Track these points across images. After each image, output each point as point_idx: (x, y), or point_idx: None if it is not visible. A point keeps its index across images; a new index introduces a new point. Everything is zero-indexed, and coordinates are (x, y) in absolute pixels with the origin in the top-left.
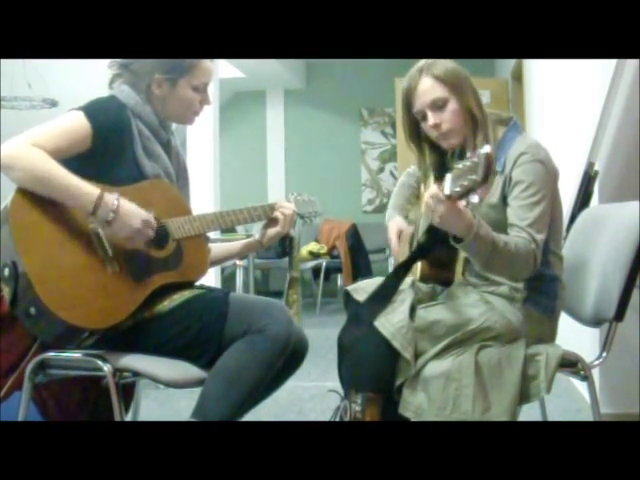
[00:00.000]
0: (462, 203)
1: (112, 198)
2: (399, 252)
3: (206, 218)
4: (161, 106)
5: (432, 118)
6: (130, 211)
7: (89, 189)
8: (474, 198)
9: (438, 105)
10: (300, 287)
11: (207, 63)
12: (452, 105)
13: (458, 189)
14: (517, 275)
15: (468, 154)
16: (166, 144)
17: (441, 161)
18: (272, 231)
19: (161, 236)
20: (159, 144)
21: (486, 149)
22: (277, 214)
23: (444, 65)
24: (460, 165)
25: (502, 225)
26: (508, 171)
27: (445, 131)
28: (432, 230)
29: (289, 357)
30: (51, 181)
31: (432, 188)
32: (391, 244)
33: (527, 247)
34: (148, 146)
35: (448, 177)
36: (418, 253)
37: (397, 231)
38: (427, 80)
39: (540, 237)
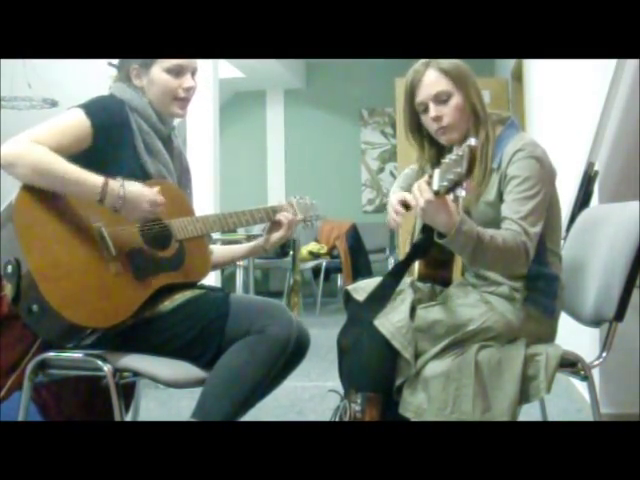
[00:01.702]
0: (450, 197)
1: (117, 185)
2: (398, 225)
3: (209, 219)
4: (145, 96)
5: (433, 110)
6: (137, 194)
7: (94, 179)
8: (461, 192)
9: (442, 99)
10: (300, 287)
11: None
12: (455, 100)
13: (445, 183)
14: (508, 269)
15: (454, 148)
16: (166, 140)
17: (440, 157)
18: (275, 236)
19: (164, 237)
20: (159, 139)
21: (471, 141)
22: (280, 217)
23: (451, 60)
24: (447, 159)
25: (500, 222)
26: (504, 168)
27: (445, 125)
28: (427, 229)
29: (291, 351)
30: (55, 173)
31: (419, 181)
32: (390, 214)
33: (516, 240)
34: (148, 141)
35: (436, 172)
36: (415, 252)
37: (399, 200)
38: (433, 72)
39: (534, 230)
